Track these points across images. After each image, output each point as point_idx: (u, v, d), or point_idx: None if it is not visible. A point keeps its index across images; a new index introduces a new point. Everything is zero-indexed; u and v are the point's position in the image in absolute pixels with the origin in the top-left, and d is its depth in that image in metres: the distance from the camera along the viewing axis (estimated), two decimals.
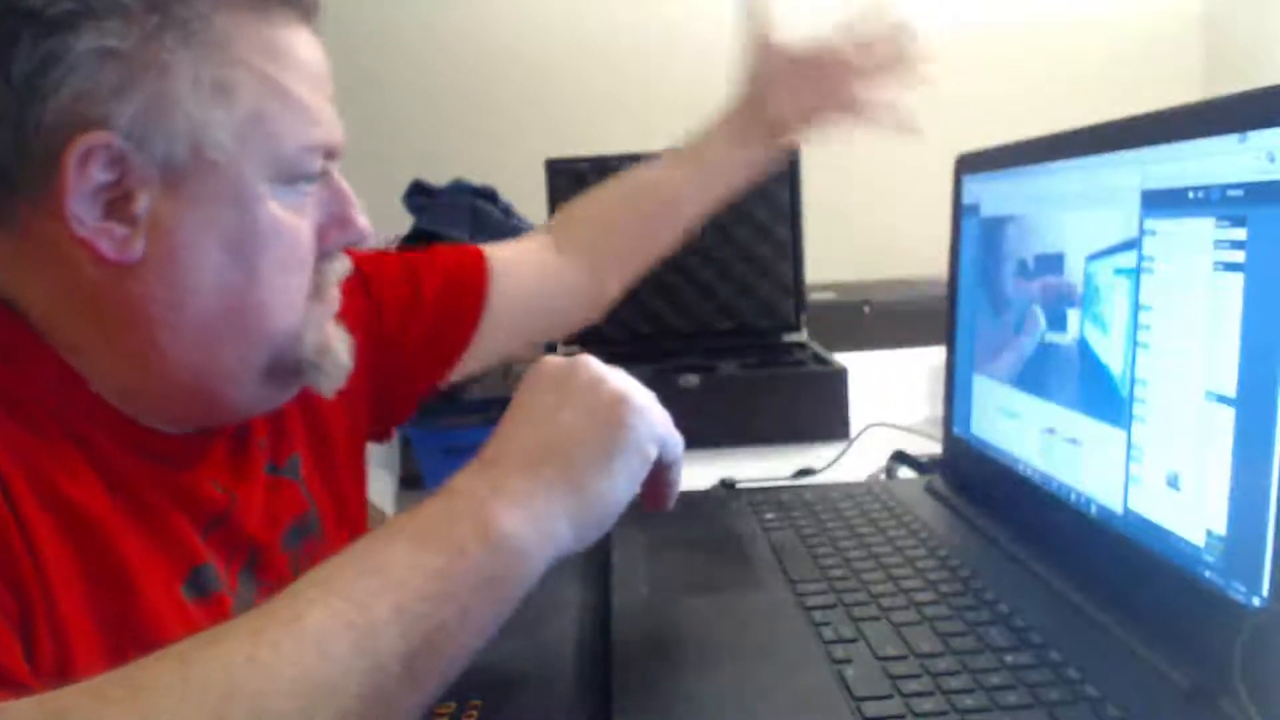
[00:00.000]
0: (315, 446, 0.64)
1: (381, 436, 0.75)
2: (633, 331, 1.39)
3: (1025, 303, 0.66)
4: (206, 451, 0.54)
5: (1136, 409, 0.52)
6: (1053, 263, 0.62)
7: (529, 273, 0.80)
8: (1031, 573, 0.58)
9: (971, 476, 0.76)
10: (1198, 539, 0.46)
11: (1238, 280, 0.44)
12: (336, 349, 0.55)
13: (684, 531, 0.69)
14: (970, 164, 0.76)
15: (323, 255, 0.53)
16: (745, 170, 0.85)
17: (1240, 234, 0.44)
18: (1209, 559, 0.46)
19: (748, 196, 1.37)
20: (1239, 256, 0.44)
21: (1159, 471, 0.50)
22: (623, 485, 0.45)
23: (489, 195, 2.46)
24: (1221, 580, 0.45)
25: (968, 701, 0.43)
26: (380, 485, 2.93)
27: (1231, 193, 0.44)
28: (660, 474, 0.49)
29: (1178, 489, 0.48)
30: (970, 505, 0.71)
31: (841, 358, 1.18)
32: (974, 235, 0.75)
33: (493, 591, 0.40)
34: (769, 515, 0.72)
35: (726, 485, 0.84)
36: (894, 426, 1.05)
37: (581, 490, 0.43)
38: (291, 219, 0.50)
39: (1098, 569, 0.55)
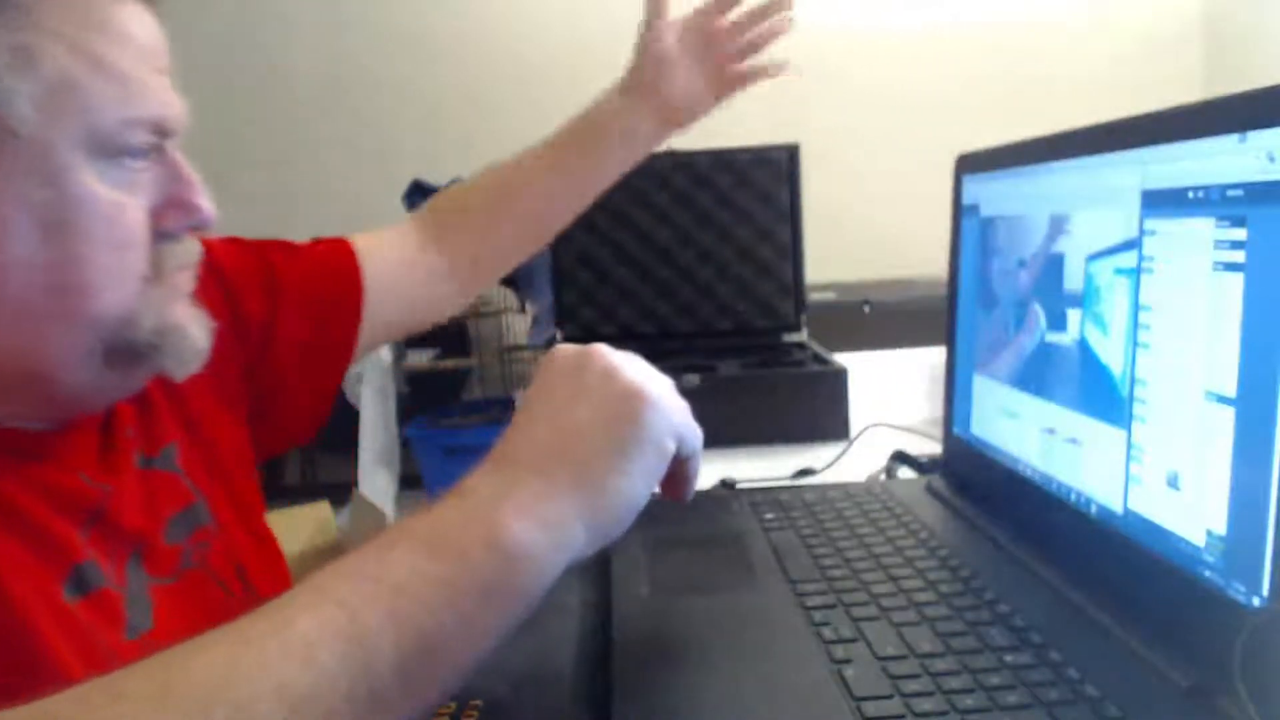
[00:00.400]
0: (192, 437, 0.62)
1: (289, 439, 0.74)
2: (633, 331, 1.40)
3: (1025, 303, 0.66)
4: (72, 445, 0.53)
5: (1136, 409, 0.52)
6: (1053, 263, 0.62)
7: (399, 261, 0.79)
8: (1031, 573, 0.58)
9: (971, 476, 0.76)
10: (1198, 539, 0.46)
11: (1238, 280, 0.44)
12: (188, 331, 0.53)
13: (684, 531, 0.69)
14: (970, 164, 0.76)
15: (161, 236, 0.52)
16: (631, 160, 0.84)
17: (1240, 234, 0.44)
18: (1209, 559, 0.46)
19: (748, 197, 1.39)
20: (1239, 256, 0.44)
21: (1159, 471, 0.50)
22: (640, 483, 0.44)
23: None
24: (1221, 580, 0.45)
25: (968, 701, 0.43)
26: (380, 485, 2.94)
27: (1231, 193, 0.44)
28: (679, 467, 0.47)
29: (1178, 489, 0.48)
30: (970, 505, 0.71)
31: (841, 358, 1.18)
32: (974, 235, 0.75)
33: (498, 600, 0.38)
34: (769, 515, 0.72)
35: (726, 485, 0.84)
36: (894, 426, 1.05)
37: (597, 491, 0.42)
38: (114, 195, 0.48)
39: (1098, 569, 0.55)
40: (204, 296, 0.58)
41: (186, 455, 0.61)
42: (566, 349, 0.47)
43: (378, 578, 0.37)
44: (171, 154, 0.52)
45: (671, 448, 0.45)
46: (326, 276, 0.74)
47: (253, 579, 0.62)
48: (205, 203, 0.53)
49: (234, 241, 0.71)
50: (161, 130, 0.51)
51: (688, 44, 0.81)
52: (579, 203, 0.84)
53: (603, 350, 0.47)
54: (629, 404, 0.44)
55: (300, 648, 0.34)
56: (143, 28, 0.50)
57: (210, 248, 0.65)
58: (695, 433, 0.48)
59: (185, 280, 0.54)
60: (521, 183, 0.82)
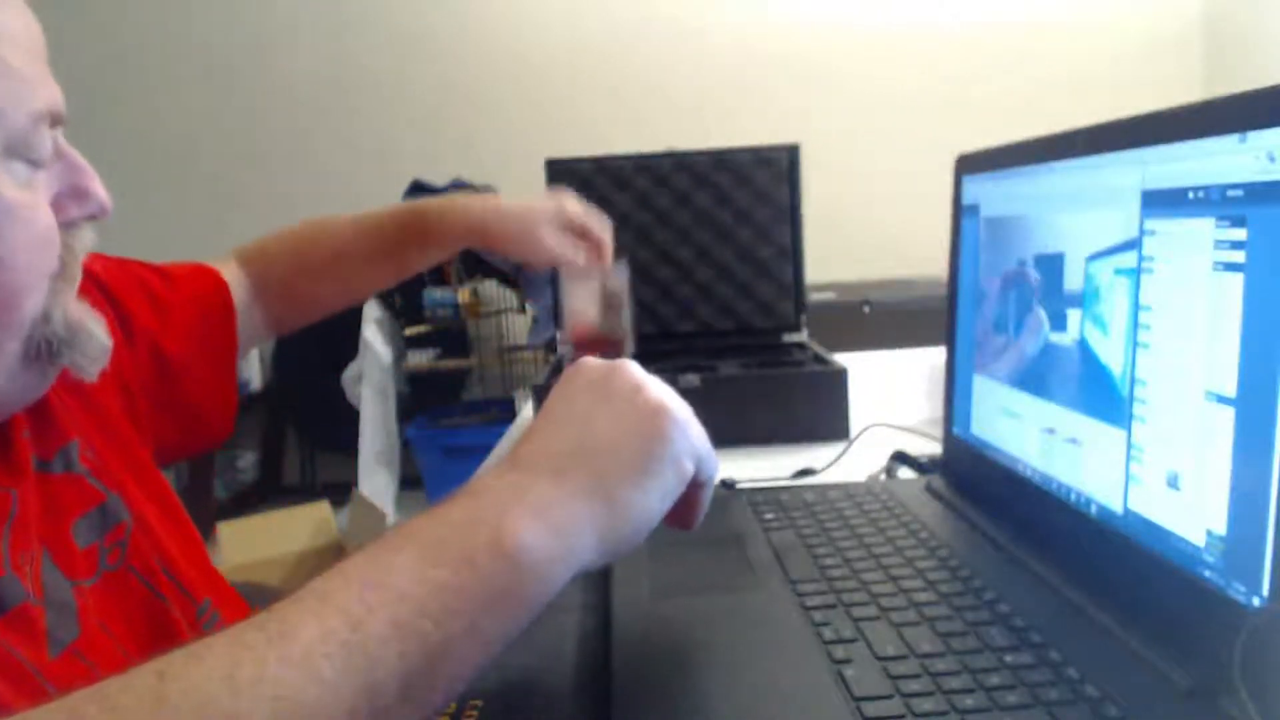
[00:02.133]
0: (103, 435, 0.62)
1: (207, 442, 0.77)
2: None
3: (1025, 303, 0.66)
4: None
5: (1136, 409, 0.52)
6: (1053, 263, 0.62)
7: (239, 294, 0.83)
8: (1032, 573, 0.58)
9: (971, 476, 0.76)
10: (1198, 539, 0.46)
11: (1238, 280, 0.44)
12: (90, 327, 0.53)
13: (684, 531, 0.69)
14: (970, 164, 0.76)
15: (64, 227, 0.51)
16: (441, 260, 0.93)
17: (1240, 234, 0.44)
18: (1209, 559, 0.46)
19: (748, 197, 1.39)
20: (1239, 256, 0.44)
21: (1159, 471, 0.50)
22: (655, 500, 0.43)
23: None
24: (1221, 580, 0.45)
25: (968, 701, 0.43)
26: (380, 485, 2.94)
27: (1231, 193, 0.44)
28: (692, 492, 0.47)
29: (1178, 489, 0.48)
30: (970, 505, 0.71)
31: (841, 358, 1.18)
32: (974, 235, 0.75)
33: (504, 608, 0.37)
34: (769, 515, 0.72)
35: (726, 485, 0.84)
36: (894, 426, 1.05)
37: (612, 501, 0.41)
38: (26, 196, 0.48)
39: (1098, 569, 0.55)
40: (92, 305, 0.58)
41: (94, 454, 0.60)
42: (592, 362, 0.47)
43: (382, 584, 0.35)
44: (62, 144, 0.51)
45: (690, 470, 0.45)
46: (202, 292, 0.78)
47: (179, 572, 0.61)
48: (101, 190, 0.52)
49: (105, 256, 0.72)
50: (56, 121, 0.50)
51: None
52: (380, 288, 0.93)
53: (630, 366, 0.46)
54: (655, 420, 0.44)
55: (301, 658, 0.32)
56: (21, 19, 0.49)
57: (103, 280, 0.67)
58: (714, 460, 0.47)
59: (78, 274, 0.53)
60: (337, 273, 0.88)
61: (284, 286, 0.86)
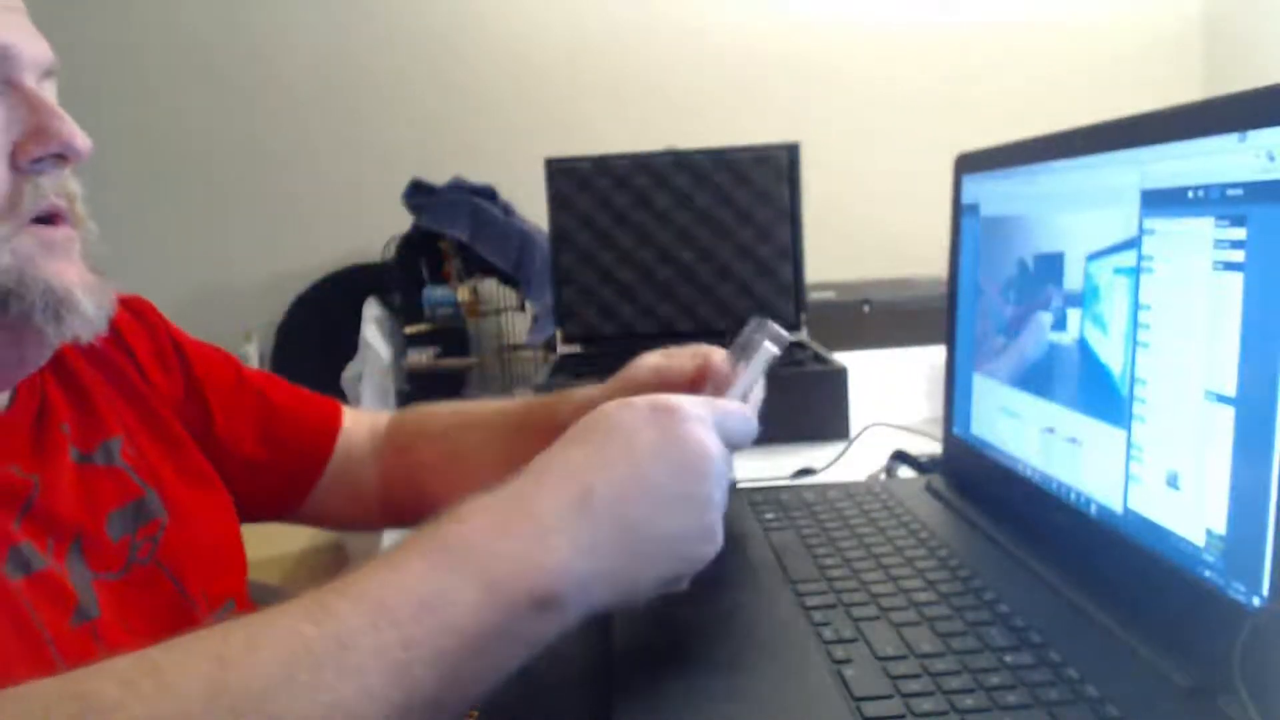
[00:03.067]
0: (151, 432, 0.62)
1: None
2: (633, 331, 1.40)
3: (1025, 302, 0.66)
4: (2, 438, 0.52)
5: (1136, 409, 0.52)
6: (1053, 262, 0.62)
7: (364, 449, 0.77)
8: (1031, 573, 0.58)
9: (971, 476, 0.76)
10: (1198, 539, 0.46)
11: (1237, 280, 0.44)
12: (73, 293, 0.50)
13: None
14: (970, 164, 0.76)
15: (26, 170, 0.50)
16: None
17: (1240, 234, 0.44)
18: (1209, 559, 0.46)
19: (748, 196, 1.39)
20: (1239, 256, 0.44)
21: (1159, 471, 0.50)
22: (658, 591, 0.45)
23: (488, 194, 2.47)
24: (1221, 580, 0.45)
25: (968, 701, 0.43)
26: None
27: (1231, 192, 0.44)
28: None
29: (1178, 489, 0.48)
30: (970, 505, 0.71)
31: (841, 358, 1.18)
32: (974, 235, 0.75)
33: (528, 650, 0.40)
34: (769, 515, 0.72)
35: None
36: (894, 426, 1.05)
37: (635, 592, 0.43)
38: None
39: (1098, 569, 0.55)
40: (148, 343, 0.61)
41: (136, 451, 0.60)
42: (701, 440, 0.45)
43: (436, 610, 0.37)
44: (25, 86, 0.50)
45: None
46: (296, 415, 0.74)
47: (211, 577, 0.61)
48: (69, 128, 0.50)
49: (219, 352, 0.72)
50: (5, 58, 0.49)
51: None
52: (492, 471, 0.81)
53: (724, 477, 0.46)
54: (712, 541, 0.45)
55: (355, 671, 0.34)
56: None
57: (176, 334, 0.67)
58: None
59: (62, 235, 0.52)
60: (447, 431, 0.78)
61: (404, 446, 0.78)
